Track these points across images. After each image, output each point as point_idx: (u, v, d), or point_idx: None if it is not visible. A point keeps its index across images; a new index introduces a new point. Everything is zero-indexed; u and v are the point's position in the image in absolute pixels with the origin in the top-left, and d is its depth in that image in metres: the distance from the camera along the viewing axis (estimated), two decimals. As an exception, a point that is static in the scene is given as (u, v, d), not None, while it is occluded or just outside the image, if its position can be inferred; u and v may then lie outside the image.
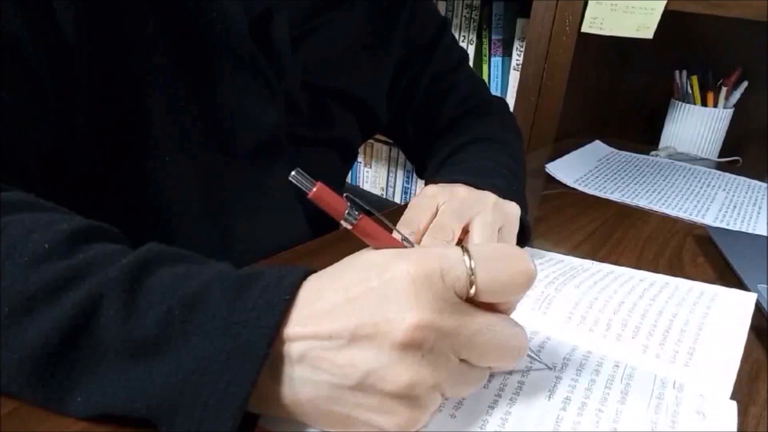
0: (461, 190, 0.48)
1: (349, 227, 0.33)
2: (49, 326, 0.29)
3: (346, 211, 0.33)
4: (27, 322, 0.29)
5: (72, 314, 0.29)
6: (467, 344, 0.29)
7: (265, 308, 0.28)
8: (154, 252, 0.32)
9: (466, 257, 0.29)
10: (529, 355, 0.37)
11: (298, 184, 0.32)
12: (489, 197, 0.48)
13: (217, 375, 0.27)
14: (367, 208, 0.33)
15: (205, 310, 0.29)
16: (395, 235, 0.35)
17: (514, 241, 0.51)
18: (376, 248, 0.33)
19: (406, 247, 0.34)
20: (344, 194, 0.33)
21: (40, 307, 0.29)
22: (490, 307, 0.31)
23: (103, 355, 0.29)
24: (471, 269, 0.29)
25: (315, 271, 0.31)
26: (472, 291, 0.29)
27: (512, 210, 0.49)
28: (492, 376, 0.36)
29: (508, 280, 0.30)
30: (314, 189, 0.32)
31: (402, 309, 0.27)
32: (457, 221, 0.45)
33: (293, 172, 0.32)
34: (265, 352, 0.27)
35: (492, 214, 0.47)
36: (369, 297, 0.28)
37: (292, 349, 0.28)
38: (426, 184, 0.55)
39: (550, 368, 0.38)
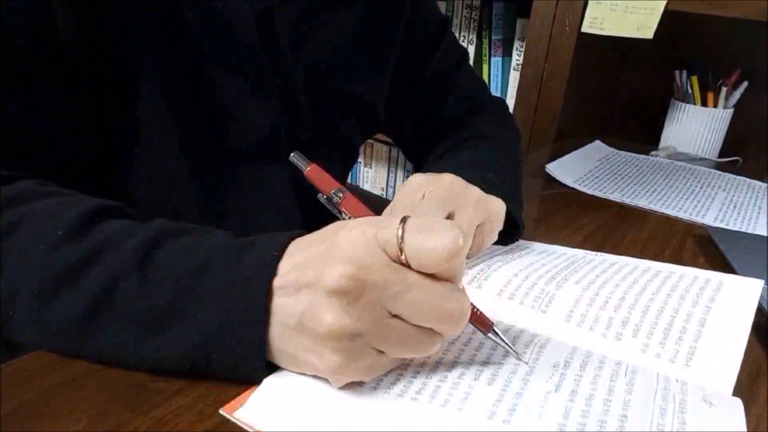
0: (446, 180, 0.48)
1: (338, 200, 0.41)
2: (73, 305, 0.33)
3: (333, 190, 0.41)
4: (55, 303, 0.33)
5: (93, 293, 0.33)
6: (396, 298, 0.32)
7: (259, 266, 0.34)
8: (160, 228, 0.36)
9: (400, 226, 0.32)
10: (505, 345, 0.38)
11: (297, 163, 0.42)
12: (473, 192, 0.48)
13: (234, 328, 0.33)
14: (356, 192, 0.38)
15: (210, 277, 0.33)
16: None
17: (495, 237, 0.51)
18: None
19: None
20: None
21: (63, 288, 0.33)
22: (433, 276, 0.32)
23: (125, 326, 0.33)
24: (400, 237, 0.31)
25: (305, 233, 0.36)
26: (403, 257, 0.32)
27: (496, 206, 0.49)
28: (486, 367, 0.37)
29: (431, 252, 0.31)
30: (308, 168, 0.42)
31: (337, 262, 0.31)
32: (440, 210, 0.45)
33: (293, 154, 0.41)
34: (264, 303, 0.33)
35: (473, 209, 0.46)
36: (319, 254, 0.33)
37: (273, 300, 0.33)
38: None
39: (526, 363, 0.38)
